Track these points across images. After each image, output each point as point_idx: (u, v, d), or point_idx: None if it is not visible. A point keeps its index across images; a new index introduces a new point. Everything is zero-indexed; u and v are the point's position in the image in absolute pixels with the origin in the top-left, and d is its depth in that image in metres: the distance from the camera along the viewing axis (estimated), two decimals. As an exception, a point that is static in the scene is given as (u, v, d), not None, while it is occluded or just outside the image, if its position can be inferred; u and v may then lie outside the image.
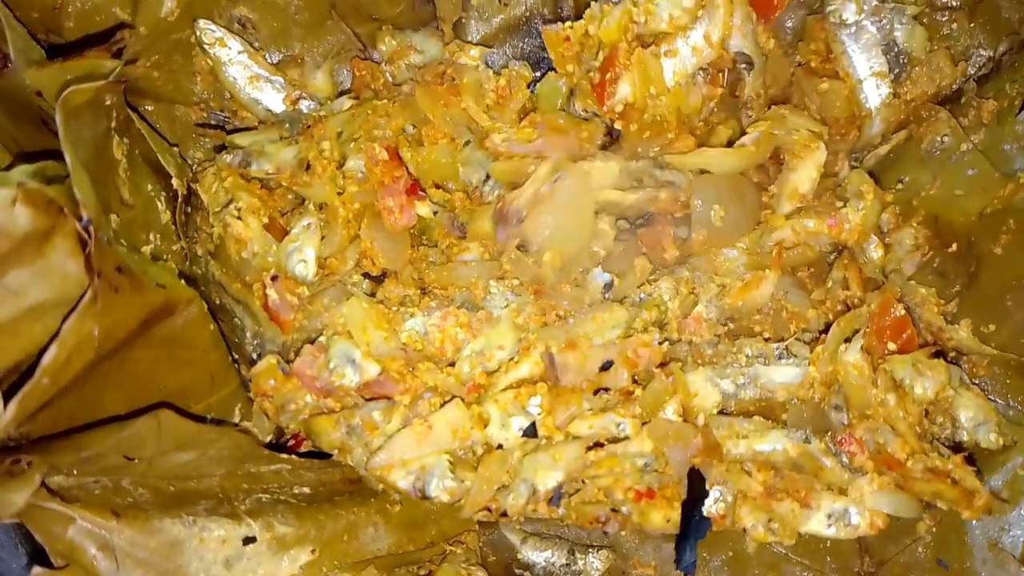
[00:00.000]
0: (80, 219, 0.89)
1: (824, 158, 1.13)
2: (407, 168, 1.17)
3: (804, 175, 1.13)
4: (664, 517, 1.05)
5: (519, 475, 1.04)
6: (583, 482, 1.05)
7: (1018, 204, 1.07)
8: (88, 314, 0.88)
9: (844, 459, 1.04)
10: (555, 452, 1.04)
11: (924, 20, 1.21)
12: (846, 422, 1.05)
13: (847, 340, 1.07)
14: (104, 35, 1.10)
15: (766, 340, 1.10)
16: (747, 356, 1.08)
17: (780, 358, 1.08)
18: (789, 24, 1.27)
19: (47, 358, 0.84)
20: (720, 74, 1.18)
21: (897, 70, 1.21)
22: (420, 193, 1.16)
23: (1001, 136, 1.10)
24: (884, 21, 1.21)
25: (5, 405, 0.84)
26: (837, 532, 1.05)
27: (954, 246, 1.13)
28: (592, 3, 1.17)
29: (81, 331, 0.87)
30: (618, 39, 1.14)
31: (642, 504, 1.05)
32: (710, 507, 1.06)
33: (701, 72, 1.15)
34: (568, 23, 1.17)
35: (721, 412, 1.08)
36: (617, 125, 1.17)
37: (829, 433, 1.05)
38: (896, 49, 1.21)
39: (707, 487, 1.05)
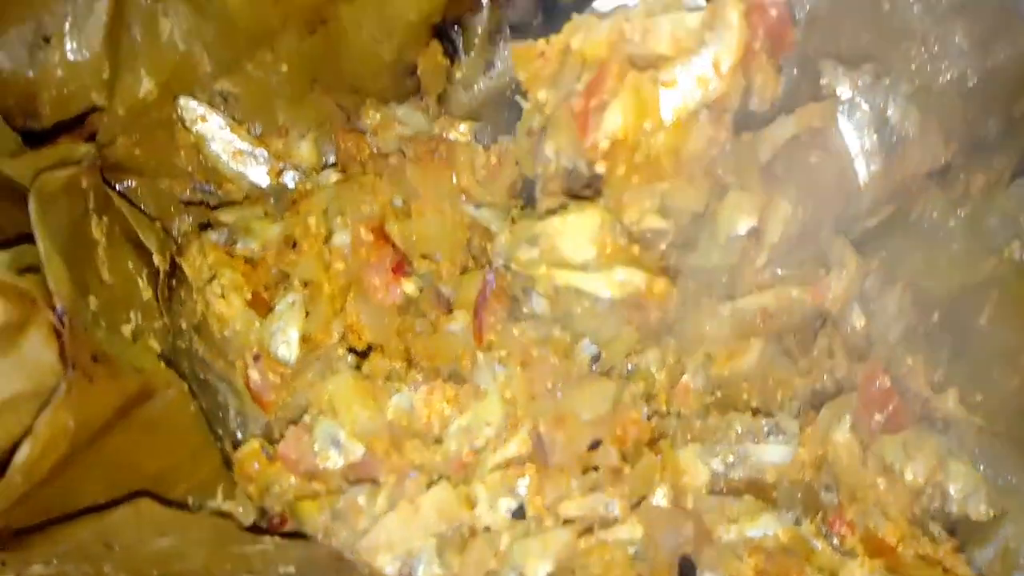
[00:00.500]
0: (54, 309, 0.88)
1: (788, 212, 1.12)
2: (393, 243, 1.16)
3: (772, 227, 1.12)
4: (654, 606, 1.04)
5: (508, 562, 1.02)
6: (573, 572, 1.03)
7: (1002, 277, 1.06)
8: (62, 407, 0.86)
9: (835, 541, 1.02)
10: (545, 539, 1.02)
11: (918, 100, 1.19)
12: (836, 503, 1.04)
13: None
14: (78, 119, 1.10)
15: (755, 413, 1.09)
16: (737, 432, 1.07)
17: (769, 434, 1.06)
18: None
19: (20, 456, 0.83)
20: (726, 114, 1.04)
21: (889, 148, 1.20)
22: (406, 269, 1.15)
23: (987, 210, 1.10)
24: (878, 99, 1.20)
25: (-23, 504, 0.83)
26: None
27: (936, 315, 1.12)
28: (575, 14, 1.00)
29: (55, 426, 0.86)
30: (607, 57, 0.96)
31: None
32: (702, 593, 1.05)
33: (706, 110, 1.00)
34: (544, 38, 1.00)
35: (711, 492, 1.06)
36: (599, 167, 1.00)
37: (820, 514, 1.03)
38: (889, 127, 1.21)
39: (698, 574, 1.03)
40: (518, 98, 1.08)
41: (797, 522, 1.04)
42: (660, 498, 1.04)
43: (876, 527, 1.02)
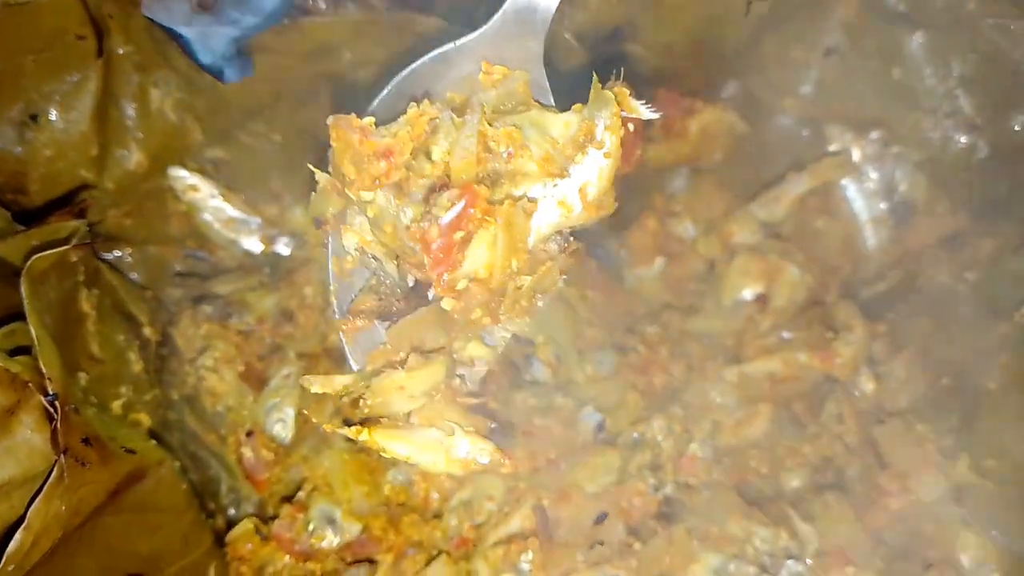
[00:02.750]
0: (46, 394, 0.85)
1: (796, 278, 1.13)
2: None
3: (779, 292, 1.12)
4: None
5: None
6: None
7: (1013, 341, 1.05)
8: (54, 494, 0.84)
9: None
10: None
11: (926, 168, 1.20)
12: None
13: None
14: (67, 197, 1.08)
15: (776, 524, 1.05)
16: (755, 548, 1.03)
17: (789, 557, 1.03)
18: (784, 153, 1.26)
19: (13, 546, 0.80)
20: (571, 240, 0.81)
21: (898, 217, 1.20)
22: None
23: (997, 275, 1.09)
24: (887, 166, 1.20)
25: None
26: None
27: (945, 380, 1.10)
28: (413, 103, 0.78)
29: (48, 513, 0.83)
30: (472, 176, 0.74)
31: None
32: None
33: (558, 236, 0.79)
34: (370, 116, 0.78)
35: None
36: (446, 304, 0.76)
37: None
38: (897, 196, 1.20)
39: None
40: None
41: None
42: None
43: None
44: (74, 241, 0.99)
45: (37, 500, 0.82)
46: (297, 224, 1.25)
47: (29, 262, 0.92)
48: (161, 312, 1.19)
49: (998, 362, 1.06)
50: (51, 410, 0.85)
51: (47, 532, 0.83)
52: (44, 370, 0.87)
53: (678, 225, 1.27)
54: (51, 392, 0.86)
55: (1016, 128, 1.11)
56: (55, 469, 0.84)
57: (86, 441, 0.89)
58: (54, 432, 0.85)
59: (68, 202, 1.06)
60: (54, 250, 0.95)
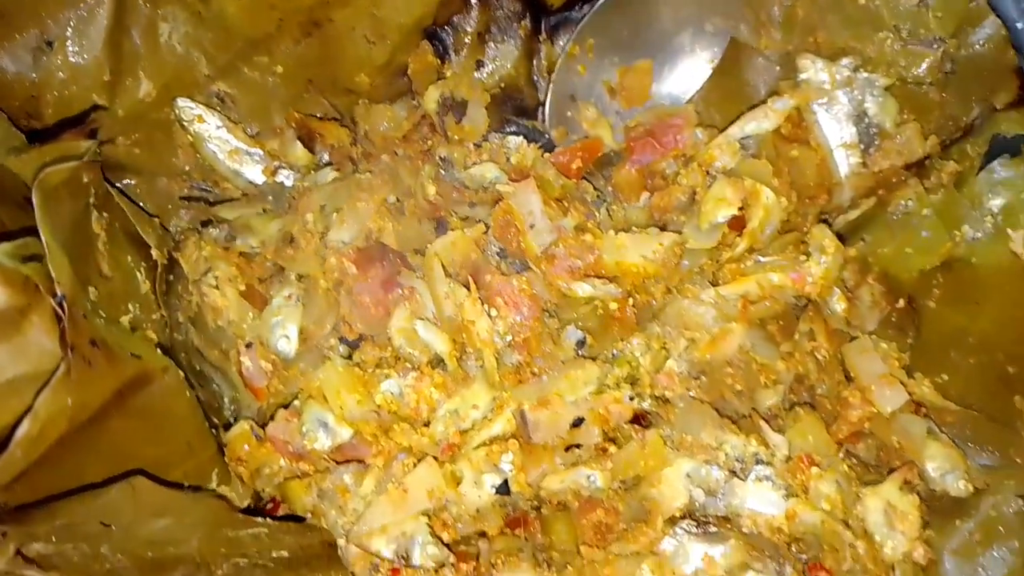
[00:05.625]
0: (55, 296, 0.92)
1: (771, 200, 1.16)
2: (384, 256, 1.18)
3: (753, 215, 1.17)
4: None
5: None
6: None
7: (950, 261, 1.09)
8: (61, 388, 0.90)
9: None
10: None
11: (896, 92, 1.23)
12: (816, 547, 1.06)
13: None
14: (79, 118, 1.14)
15: (748, 434, 1.10)
16: (727, 454, 1.09)
17: (759, 462, 1.08)
18: (762, 87, 1.31)
19: (20, 432, 0.86)
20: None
21: (867, 141, 1.23)
22: (397, 281, 1.16)
23: (958, 197, 1.11)
24: (856, 92, 1.23)
25: (-22, 479, 0.86)
26: None
27: (901, 301, 1.15)
28: None
29: (54, 405, 0.89)
30: None
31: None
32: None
33: None
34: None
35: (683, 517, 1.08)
36: None
37: (803, 560, 1.05)
38: (867, 120, 1.23)
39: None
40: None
41: (780, 573, 1.04)
42: (645, 573, 1.05)
43: None
44: (86, 158, 1.05)
45: (44, 392, 0.88)
46: (297, 158, 1.31)
47: (42, 175, 0.98)
48: (168, 239, 1.26)
49: (934, 281, 1.10)
50: (59, 311, 0.92)
51: (53, 423, 0.90)
52: (53, 274, 0.93)
53: (661, 162, 1.31)
54: (59, 294, 0.92)
55: (979, 43, 1.14)
56: (62, 365, 0.90)
57: (93, 343, 0.95)
58: (62, 332, 0.91)
59: (80, 123, 1.11)
60: (66, 164, 1.01)
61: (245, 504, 1.15)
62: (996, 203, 1.08)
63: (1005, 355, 1.07)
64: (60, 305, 0.92)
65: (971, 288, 1.08)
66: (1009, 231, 1.05)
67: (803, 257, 1.16)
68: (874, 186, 1.22)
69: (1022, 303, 1.04)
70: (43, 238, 0.95)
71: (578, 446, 1.10)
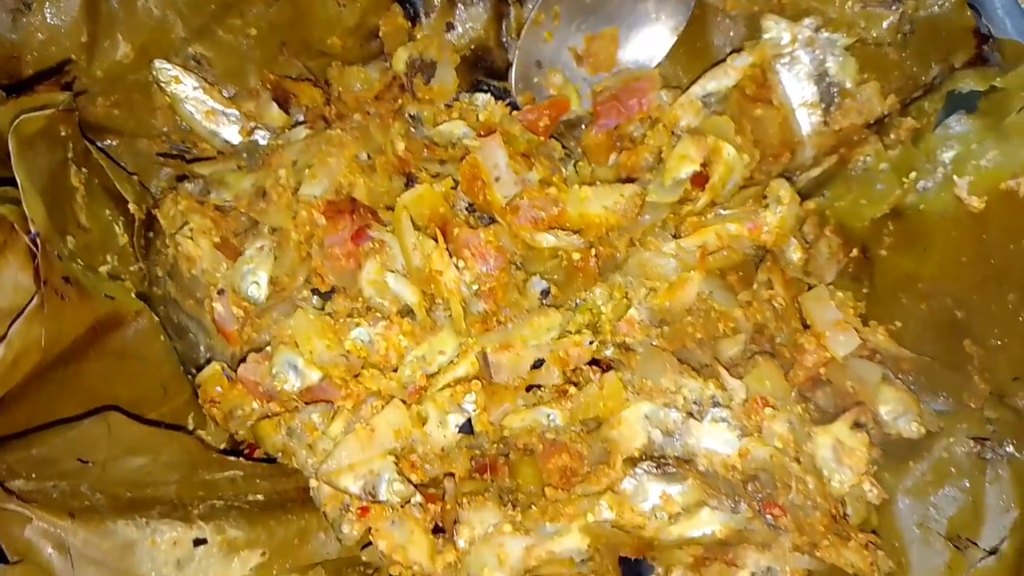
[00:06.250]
0: (28, 232, 0.95)
1: (732, 156, 1.20)
2: (354, 209, 1.21)
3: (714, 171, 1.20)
4: (601, 604, 1.10)
5: (466, 570, 1.08)
6: None
7: (900, 209, 1.13)
8: (35, 319, 0.94)
9: (768, 519, 1.07)
10: (499, 552, 1.07)
11: (856, 52, 1.26)
12: (771, 489, 1.09)
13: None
14: (54, 70, 1.18)
15: (706, 379, 1.14)
16: (684, 398, 1.12)
17: (715, 405, 1.12)
18: (728, 47, 1.34)
19: (-6, 359, 0.90)
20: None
21: (828, 100, 1.26)
22: (367, 234, 1.19)
23: (914, 152, 1.15)
24: (817, 52, 1.26)
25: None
26: None
27: (855, 251, 1.18)
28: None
29: (28, 335, 0.93)
30: None
31: (580, 597, 1.11)
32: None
33: None
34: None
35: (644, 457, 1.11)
36: None
37: (759, 496, 1.08)
38: (828, 79, 1.26)
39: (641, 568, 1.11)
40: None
41: (735, 510, 1.08)
42: (604, 511, 1.08)
43: (805, 516, 1.08)
44: (62, 108, 1.08)
45: (18, 322, 0.92)
46: (272, 118, 1.34)
47: (17, 121, 1.02)
48: (147, 196, 1.29)
49: (885, 229, 1.14)
50: (33, 248, 0.95)
51: (27, 353, 0.94)
52: (28, 213, 0.96)
53: (628, 125, 1.35)
54: (33, 231, 0.95)
55: (937, 4, 1.18)
56: (36, 298, 0.94)
57: (66, 280, 0.99)
58: (36, 267, 0.95)
59: (56, 75, 1.15)
60: (42, 112, 1.05)
61: (221, 447, 1.18)
62: (948, 155, 1.12)
63: (952, 300, 1.11)
64: (34, 242, 0.96)
65: (919, 235, 1.12)
66: (955, 177, 1.08)
67: (761, 208, 1.20)
68: (836, 144, 1.26)
69: (966, 248, 1.08)
70: (19, 180, 0.99)
71: (539, 387, 1.13)
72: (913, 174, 1.12)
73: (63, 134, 1.13)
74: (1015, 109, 1.07)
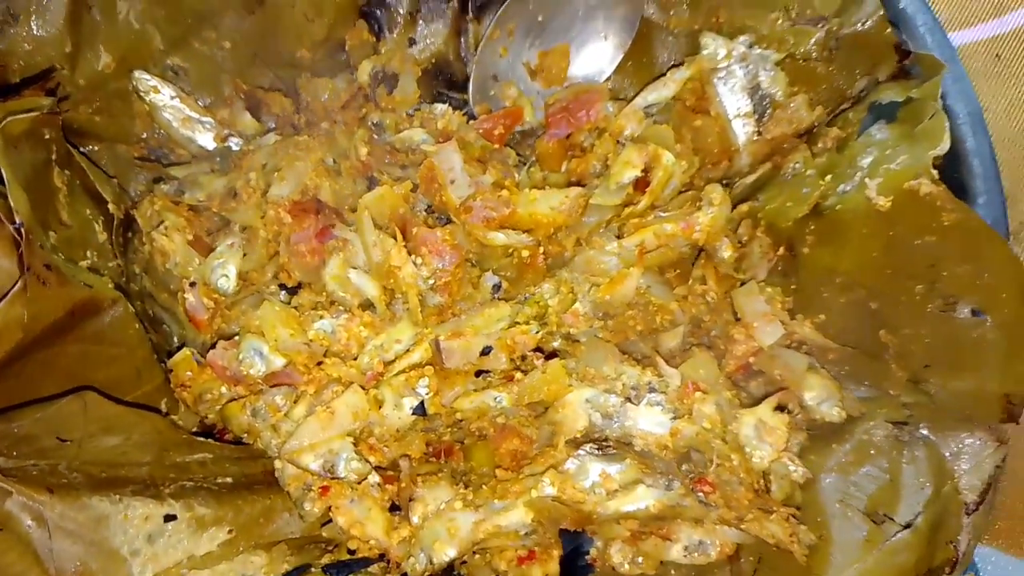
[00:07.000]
0: (13, 222, 1.03)
1: (671, 162, 1.29)
2: (318, 209, 1.30)
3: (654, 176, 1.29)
4: (543, 573, 1.19)
5: (420, 544, 1.16)
6: (473, 554, 1.18)
7: (820, 209, 1.21)
8: (17, 301, 1.01)
9: (700, 496, 1.16)
10: (450, 526, 1.15)
11: (786, 67, 1.35)
12: (701, 467, 1.18)
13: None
14: (38, 77, 1.26)
15: (644, 367, 1.23)
16: (623, 384, 1.21)
17: (651, 390, 1.20)
18: (671, 62, 1.44)
19: (-25, 334, 0.98)
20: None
21: (761, 111, 1.35)
22: (331, 233, 1.27)
23: (838, 159, 1.23)
24: (751, 66, 1.35)
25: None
26: (693, 560, 1.18)
27: (781, 249, 1.27)
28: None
29: (10, 314, 1.01)
30: None
31: (523, 567, 1.20)
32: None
33: None
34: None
35: (585, 439, 1.20)
36: None
37: (691, 476, 1.17)
38: (761, 92, 1.36)
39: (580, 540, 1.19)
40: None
41: (668, 487, 1.16)
42: (547, 487, 1.16)
43: (732, 491, 1.17)
44: (46, 111, 1.17)
45: (2, 303, 1.00)
46: (246, 126, 1.43)
47: (4, 123, 1.10)
48: (125, 197, 1.37)
49: (807, 228, 1.23)
50: (16, 237, 1.03)
51: (9, 330, 1.02)
52: (13, 204, 1.04)
53: (579, 134, 1.44)
54: (18, 221, 1.03)
55: (861, 22, 1.27)
56: (19, 282, 1.02)
57: (47, 266, 1.07)
58: (20, 254, 1.03)
59: (40, 81, 1.23)
60: (26, 115, 1.13)
61: (192, 431, 1.26)
62: (866, 161, 1.20)
63: (867, 292, 1.19)
64: (18, 231, 1.04)
65: (836, 233, 1.20)
66: (867, 180, 1.17)
67: (695, 211, 1.29)
68: (769, 152, 1.34)
69: (876, 244, 1.16)
70: (4, 175, 1.07)
71: (488, 372, 1.21)
72: (828, 177, 1.20)
73: (47, 136, 1.21)
74: (927, 116, 1.16)
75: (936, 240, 1.11)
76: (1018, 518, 1.36)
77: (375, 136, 1.38)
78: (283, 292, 1.30)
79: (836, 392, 1.22)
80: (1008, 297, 1.09)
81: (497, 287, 1.28)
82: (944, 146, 1.12)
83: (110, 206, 1.31)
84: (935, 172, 1.11)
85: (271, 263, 1.30)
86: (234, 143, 1.41)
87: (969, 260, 1.10)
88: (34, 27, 1.28)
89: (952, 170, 1.20)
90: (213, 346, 1.21)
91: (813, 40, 1.33)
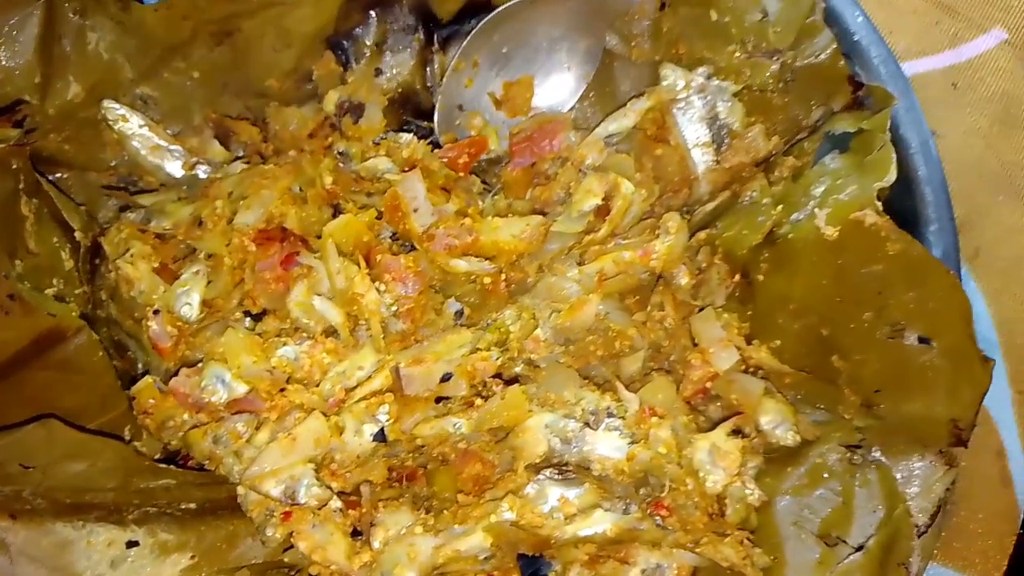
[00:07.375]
0: (-23, 253, 1.05)
1: (630, 190, 1.32)
2: (284, 237, 1.31)
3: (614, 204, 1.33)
4: (502, 596, 1.20)
5: (380, 568, 1.17)
6: None
7: (773, 237, 1.24)
8: (-19, 331, 1.04)
9: (657, 519, 1.18)
10: (410, 550, 1.17)
11: (743, 97, 1.38)
12: (658, 491, 1.20)
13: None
14: (5, 109, 1.28)
15: (603, 392, 1.25)
16: (582, 409, 1.22)
17: (610, 415, 1.22)
18: (633, 93, 1.47)
19: (-58, 365, 1.00)
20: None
21: (719, 141, 1.38)
22: (296, 260, 1.29)
23: (793, 187, 1.26)
24: (709, 97, 1.38)
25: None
26: None
27: (737, 276, 1.29)
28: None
29: (-27, 346, 1.03)
30: None
31: (483, 591, 1.21)
32: None
33: None
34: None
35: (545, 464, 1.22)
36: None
37: (648, 500, 1.20)
38: (719, 122, 1.39)
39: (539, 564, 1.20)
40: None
41: (626, 511, 1.18)
42: (506, 512, 1.17)
43: (687, 514, 1.20)
44: (13, 143, 1.19)
45: (-34, 333, 1.02)
46: (215, 154, 1.45)
47: (-30, 154, 1.12)
48: (94, 225, 1.39)
49: (761, 256, 1.26)
50: (-20, 268, 1.05)
51: (-28, 363, 1.03)
52: (-24, 235, 1.06)
53: (543, 163, 1.47)
54: (-19, 250, 1.05)
55: (815, 54, 1.31)
56: (-18, 313, 1.04)
57: (11, 296, 1.09)
58: (-18, 283, 1.05)
59: (8, 113, 1.25)
60: (-6, 147, 1.15)
61: (156, 457, 1.27)
62: (819, 190, 1.23)
63: (819, 319, 1.22)
64: (-19, 261, 1.06)
65: (788, 260, 1.23)
66: (816, 210, 1.20)
67: (653, 238, 1.32)
68: (728, 180, 1.38)
69: (825, 272, 1.19)
70: (-30, 201, 1.09)
71: (448, 399, 1.23)
72: (780, 206, 1.23)
73: (14, 167, 1.24)
74: (876, 148, 1.20)
75: (882, 269, 1.14)
76: (973, 537, 1.38)
77: (341, 165, 1.41)
78: (248, 319, 1.31)
79: (791, 416, 1.24)
80: (952, 324, 1.12)
81: (459, 313, 1.30)
82: (890, 178, 1.15)
83: (77, 234, 1.33)
84: (879, 204, 1.14)
85: (236, 290, 1.32)
86: (202, 171, 1.43)
87: (914, 288, 1.13)
88: (3, 58, 1.30)
89: (905, 198, 1.24)
90: (175, 373, 1.23)
91: (769, 72, 1.36)
